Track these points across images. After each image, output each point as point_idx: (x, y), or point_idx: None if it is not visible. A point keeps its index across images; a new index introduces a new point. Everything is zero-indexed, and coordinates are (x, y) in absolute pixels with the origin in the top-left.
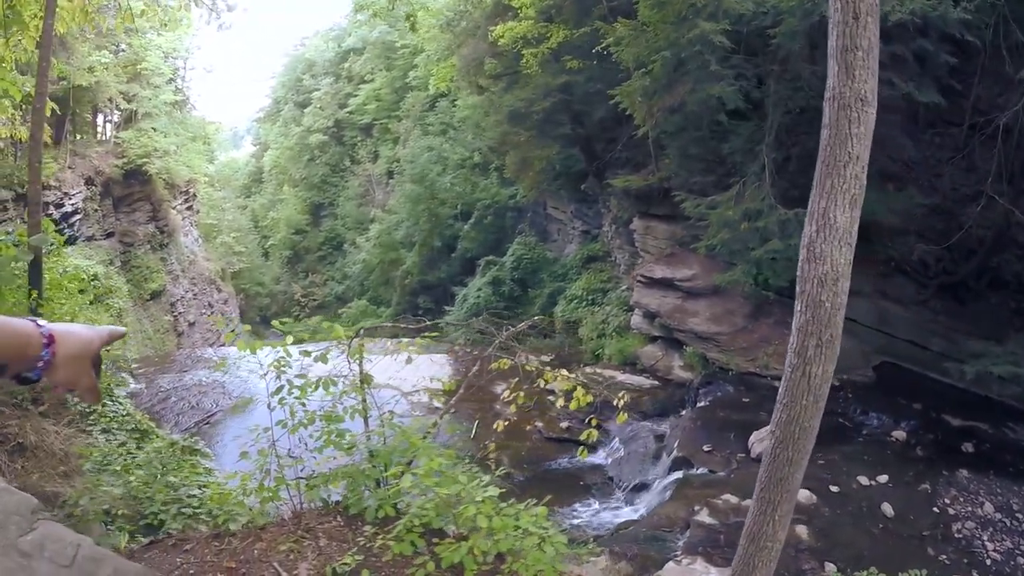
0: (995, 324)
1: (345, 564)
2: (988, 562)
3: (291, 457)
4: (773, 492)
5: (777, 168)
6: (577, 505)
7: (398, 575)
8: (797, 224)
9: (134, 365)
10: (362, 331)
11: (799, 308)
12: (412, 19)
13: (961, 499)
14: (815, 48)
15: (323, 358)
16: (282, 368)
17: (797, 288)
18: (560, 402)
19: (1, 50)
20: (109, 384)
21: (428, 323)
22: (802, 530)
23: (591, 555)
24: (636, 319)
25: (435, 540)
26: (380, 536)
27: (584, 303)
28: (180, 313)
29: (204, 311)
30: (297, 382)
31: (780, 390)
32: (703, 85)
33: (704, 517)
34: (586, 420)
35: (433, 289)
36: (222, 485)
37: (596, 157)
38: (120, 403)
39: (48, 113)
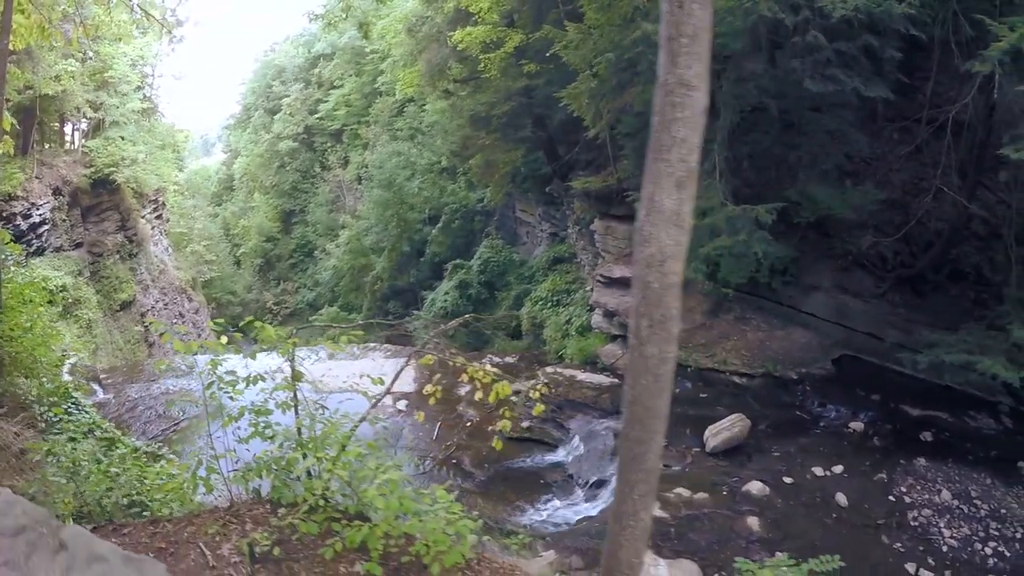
0: (955, 315)
1: (259, 542)
2: (944, 548)
3: (231, 450)
4: (629, 472)
5: (731, 167)
6: (537, 503)
7: (309, 554)
8: (746, 220)
9: (103, 375)
10: (295, 331)
11: (633, 290)
12: (365, 28)
13: (918, 487)
14: (759, 48)
15: (252, 355)
16: (216, 366)
17: (632, 271)
18: (479, 395)
19: None
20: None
21: (357, 324)
22: (753, 521)
23: (522, 548)
24: (597, 318)
25: (346, 522)
26: (289, 516)
27: (549, 304)
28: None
29: (175, 321)
30: (228, 378)
31: (626, 371)
32: (650, 86)
33: (655, 511)
34: (547, 420)
35: (403, 294)
36: (162, 477)
37: (559, 159)
38: (87, 412)
39: (8, 127)
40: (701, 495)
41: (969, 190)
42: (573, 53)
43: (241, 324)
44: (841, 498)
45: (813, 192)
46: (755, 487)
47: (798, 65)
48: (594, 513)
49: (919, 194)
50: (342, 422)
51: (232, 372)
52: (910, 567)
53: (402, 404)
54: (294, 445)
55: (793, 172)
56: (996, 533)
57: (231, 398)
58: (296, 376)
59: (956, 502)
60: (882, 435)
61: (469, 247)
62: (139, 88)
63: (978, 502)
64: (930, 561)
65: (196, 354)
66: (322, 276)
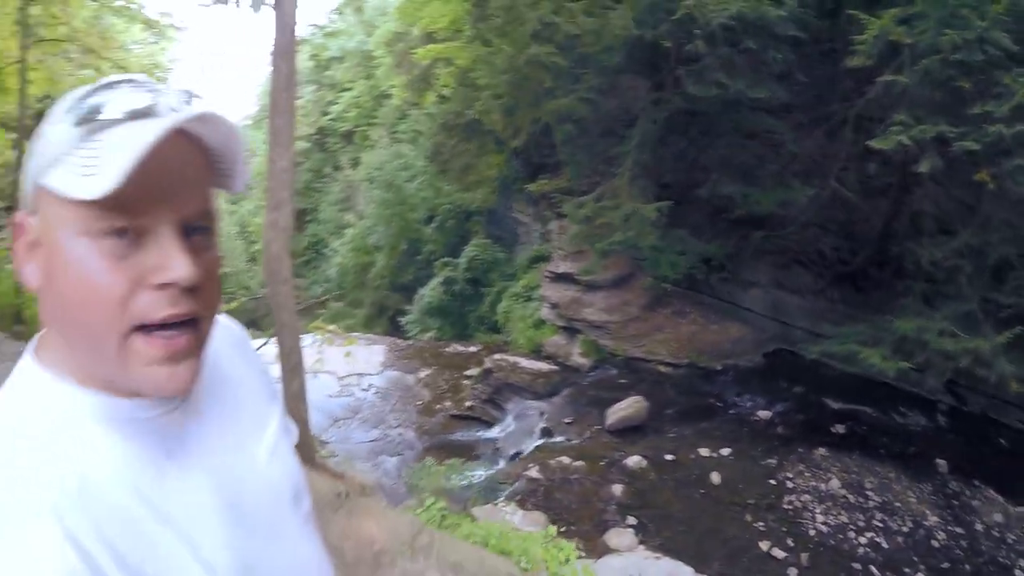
0: (892, 311)
1: None
2: (812, 533)
3: None
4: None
5: (647, 170)
6: (463, 470)
7: None
8: (640, 219)
9: None
10: None
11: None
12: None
13: (807, 475)
14: (646, 61)
15: None
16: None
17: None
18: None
19: None
20: None
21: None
22: (618, 489)
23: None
24: (545, 311)
25: None
26: None
27: (522, 299)
28: None
29: None
30: None
31: None
32: (557, 101)
33: (534, 473)
34: (487, 401)
35: (403, 291)
36: None
37: (531, 162)
38: None
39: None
40: (579, 464)
41: (901, 186)
42: (483, 73)
43: None
44: (715, 477)
45: (723, 190)
46: (633, 461)
47: (682, 73)
48: None
49: (868, 192)
50: None
51: None
52: (763, 545)
53: (365, 383)
54: None
55: (707, 172)
56: (879, 525)
57: None
58: None
59: (844, 491)
60: (788, 424)
61: (464, 246)
62: None
63: (871, 493)
64: (789, 543)
65: None
66: (330, 273)
